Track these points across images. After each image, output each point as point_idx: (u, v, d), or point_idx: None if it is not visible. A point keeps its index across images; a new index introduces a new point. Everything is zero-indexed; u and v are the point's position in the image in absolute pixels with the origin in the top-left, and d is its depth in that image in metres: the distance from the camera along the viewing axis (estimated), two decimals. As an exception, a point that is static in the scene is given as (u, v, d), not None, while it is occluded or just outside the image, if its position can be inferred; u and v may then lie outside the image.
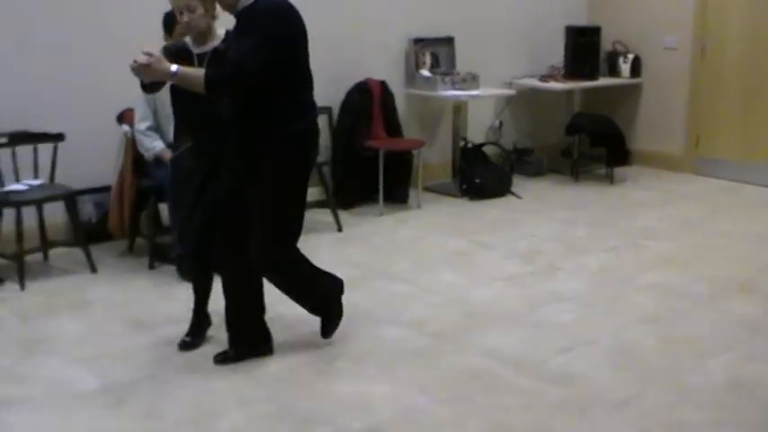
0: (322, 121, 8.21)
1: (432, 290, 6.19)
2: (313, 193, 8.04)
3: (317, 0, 8.14)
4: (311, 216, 7.86)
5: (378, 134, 8.45)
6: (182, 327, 5.41)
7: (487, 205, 8.55)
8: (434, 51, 9.06)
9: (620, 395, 4.66)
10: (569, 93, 10.23)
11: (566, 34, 9.87)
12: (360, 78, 8.49)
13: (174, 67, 4.62)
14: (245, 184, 4.84)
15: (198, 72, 4.68)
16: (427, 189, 8.81)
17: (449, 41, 9.14)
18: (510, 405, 4.54)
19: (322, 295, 5.26)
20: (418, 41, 8.92)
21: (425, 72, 8.89)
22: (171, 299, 5.97)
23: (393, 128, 8.62)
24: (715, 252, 7.16)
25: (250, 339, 5.12)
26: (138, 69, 4.62)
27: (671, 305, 5.98)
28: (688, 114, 9.97)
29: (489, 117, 9.76)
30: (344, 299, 5.47)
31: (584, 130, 9.62)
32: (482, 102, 9.36)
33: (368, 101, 8.43)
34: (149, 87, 5.07)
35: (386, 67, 8.80)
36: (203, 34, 5.11)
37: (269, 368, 4.96)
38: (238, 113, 4.77)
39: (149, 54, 4.61)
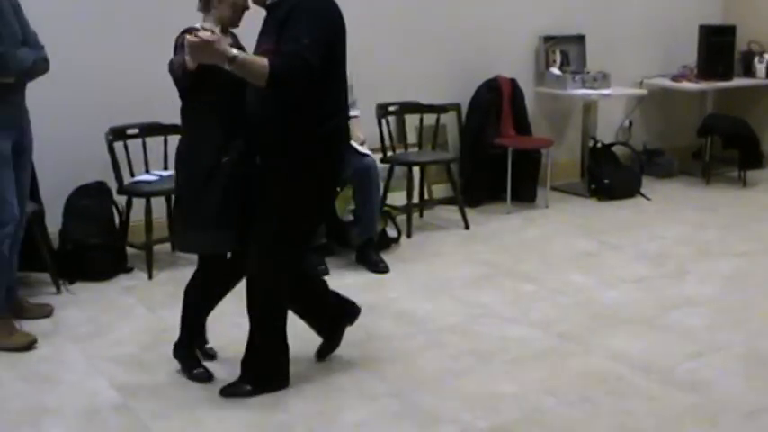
0: (451, 117, 8.26)
1: (559, 290, 6.14)
2: (441, 190, 8.11)
3: (448, -3, 8.20)
4: (439, 213, 7.91)
5: (506, 132, 8.41)
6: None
7: (616, 206, 8.45)
8: (564, 49, 8.99)
9: (751, 404, 4.56)
10: (702, 93, 10.05)
11: (699, 33, 9.69)
12: (489, 76, 8.46)
13: (234, 51, 4.19)
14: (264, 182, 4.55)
15: (260, 61, 4.23)
16: (555, 188, 8.74)
17: (579, 39, 9.06)
18: (637, 409, 4.48)
19: (331, 318, 5.08)
20: (548, 39, 8.86)
21: (555, 70, 8.83)
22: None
23: (522, 126, 8.58)
24: None
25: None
26: (197, 47, 4.15)
27: (809, 312, 5.84)
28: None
29: (619, 117, 9.65)
30: (470, 296, 5.47)
31: (717, 132, 9.45)
32: (612, 101, 9.26)
33: (497, 98, 8.40)
34: (182, 79, 4.46)
35: (515, 65, 8.76)
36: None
37: (394, 364, 4.97)
38: (275, 108, 4.46)
39: (212, 32, 4.29)
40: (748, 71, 10.07)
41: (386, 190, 7.28)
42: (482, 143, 8.25)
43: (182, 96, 4.58)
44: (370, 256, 6.53)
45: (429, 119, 7.80)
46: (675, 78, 9.71)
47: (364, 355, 5.08)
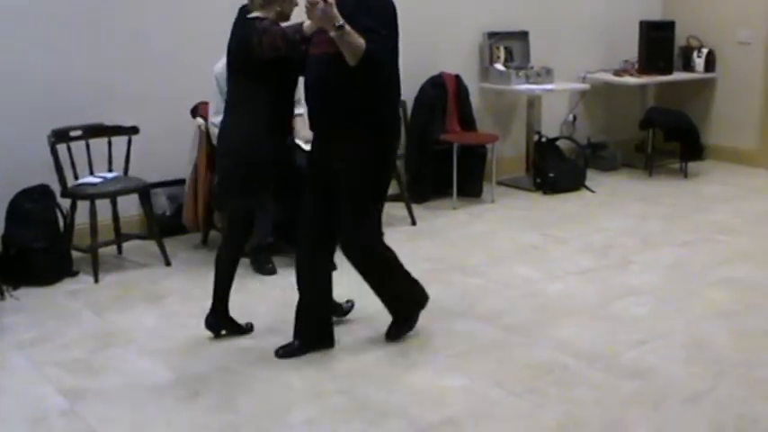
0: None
1: (505, 283, 6.18)
2: (386, 187, 8.13)
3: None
4: (385, 210, 7.90)
5: (452, 128, 8.46)
6: (255, 319, 5.48)
7: (561, 199, 8.53)
8: (508, 45, 9.06)
9: (693, 389, 4.64)
10: (643, 87, 10.17)
11: (640, 29, 9.80)
12: (434, 72, 8.51)
13: (341, 20, 4.52)
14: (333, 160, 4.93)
15: (361, 39, 4.59)
16: (501, 183, 8.80)
17: (523, 35, 9.13)
18: (583, 399, 4.54)
19: (406, 296, 5.31)
20: (492, 35, 8.92)
21: (499, 66, 8.89)
22: (244, 292, 6.01)
23: (467, 122, 8.63)
24: (790, 246, 7.09)
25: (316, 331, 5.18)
26: (315, 7, 4.52)
27: (745, 299, 5.92)
28: (762, 109, 9.88)
29: (563, 111, 9.73)
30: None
31: (659, 125, 9.56)
32: (556, 96, 9.34)
33: (442, 95, 8.45)
34: (296, 47, 4.86)
35: (460, 61, 8.81)
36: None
37: (343, 361, 4.99)
38: (354, 88, 4.77)
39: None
40: (687, 65, 10.23)
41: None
42: (427, 139, 8.28)
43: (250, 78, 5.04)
44: (317, 254, 6.54)
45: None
46: (617, 73, 9.82)
47: (313, 352, 5.09)
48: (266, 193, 5.33)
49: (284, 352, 5.08)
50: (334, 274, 5.28)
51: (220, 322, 5.35)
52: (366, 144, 4.85)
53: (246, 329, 5.40)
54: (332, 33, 4.54)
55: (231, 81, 5.20)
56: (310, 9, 4.56)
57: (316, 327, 5.17)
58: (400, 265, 5.21)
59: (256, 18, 5.00)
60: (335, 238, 5.11)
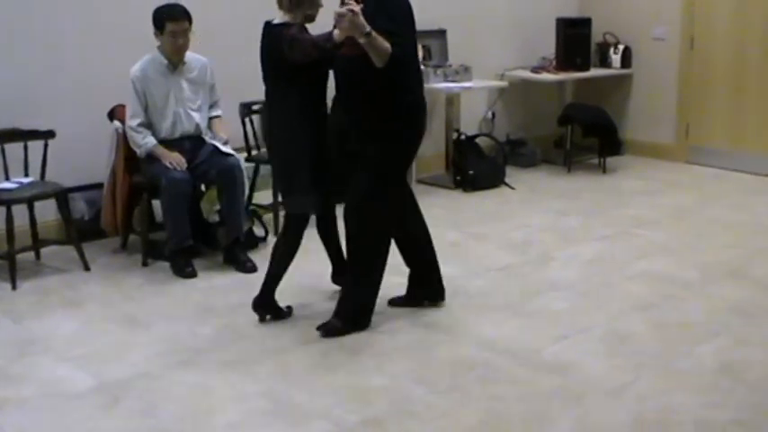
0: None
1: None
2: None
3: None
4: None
5: (370, 128, 8.45)
6: (176, 323, 5.45)
7: (481, 196, 8.57)
8: (426, 44, 9.05)
9: (614, 382, 4.69)
10: (561, 84, 10.27)
11: (557, 26, 9.89)
12: (352, 72, 8.48)
13: (368, 27, 4.83)
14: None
15: (386, 43, 4.90)
16: (421, 181, 8.81)
17: (441, 34, 9.14)
18: (505, 394, 4.56)
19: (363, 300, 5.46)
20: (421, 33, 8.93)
21: (417, 65, 8.90)
22: (165, 295, 5.99)
23: (386, 121, 8.62)
24: (706, 239, 7.20)
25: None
26: (344, 17, 4.79)
27: (663, 292, 6.01)
28: (678, 104, 10.02)
29: (482, 109, 9.78)
30: (338, 291, 5.53)
31: (577, 121, 9.64)
32: (475, 94, 9.38)
33: (360, 94, 8.43)
34: (326, 54, 5.12)
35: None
36: None
37: (264, 363, 4.97)
38: (379, 85, 5.08)
39: (354, 10, 4.80)
40: (604, 62, 10.34)
41: (251, 189, 7.26)
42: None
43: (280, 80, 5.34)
44: (238, 256, 6.51)
45: (292, 117, 7.78)
46: (535, 70, 9.89)
47: (234, 356, 5.06)
48: (312, 188, 5.46)
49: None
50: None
51: (267, 308, 5.56)
52: (394, 134, 5.23)
53: (287, 314, 5.62)
54: (360, 40, 4.85)
55: (267, 84, 5.46)
56: (339, 20, 4.84)
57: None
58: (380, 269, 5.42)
59: (284, 25, 5.25)
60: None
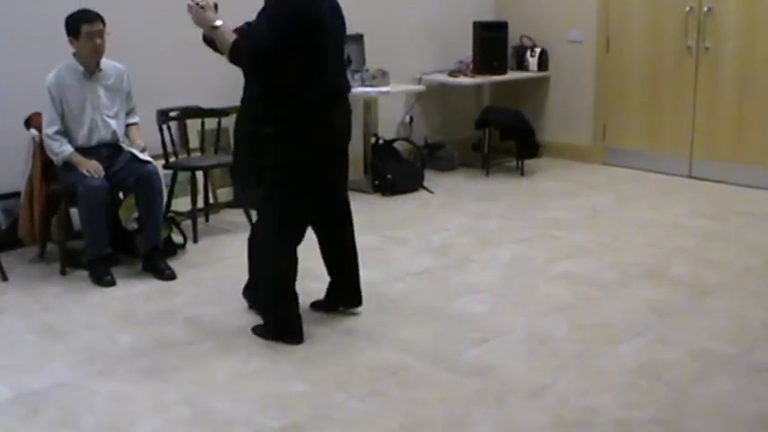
0: (233, 121, 8.20)
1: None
2: (226, 194, 8.09)
3: None
4: (224, 217, 7.90)
5: (288, 133, 8.43)
6: (96, 332, 5.40)
7: (400, 200, 8.59)
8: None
9: (534, 383, 4.73)
10: (478, 87, 10.35)
11: (474, 29, 9.95)
12: (269, 78, 8.46)
13: (218, 22, 5.03)
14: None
15: (231, 36, 5.03)
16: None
17: (358, 39, 9.14)
18: (426, 398, 4.58)
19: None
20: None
21: (335, 69, 8.89)
22: (84, 304, 5.93)
23: (305, 126, 8.61)
24: (624, 240, 7.29)
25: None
26: (191, 9, 5.06)
27: (582, 293, 6.07)
28: (595, 106, 10.14)
29: (400, 113, 9.81)
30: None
31: (494, 124, 9.70)
32: (392, 98, 9.39)
33: (278, 100, 8.41)
34: (208, 42, 5.29)
35: (295, 66, 8.78)
36: None
37: (185, 371, 4.93)
38: (261, 88, 5.16)
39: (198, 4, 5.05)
40: (521, 65, 10.43)
41: (170, 196, 7.22)
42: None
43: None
44: (157, 264, 6.46)
45: (211, 123, 7.76)
46: (452, 74, 9.94)
47: (154, 364, 5.02)
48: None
49: None
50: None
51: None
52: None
53: None
54: (209, 33, 5.11)
55: None
56: (190, 10, 5.09)
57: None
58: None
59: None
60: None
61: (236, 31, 5.15)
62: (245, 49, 4.99)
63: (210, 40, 5.21)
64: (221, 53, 5.16)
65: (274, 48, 4.94)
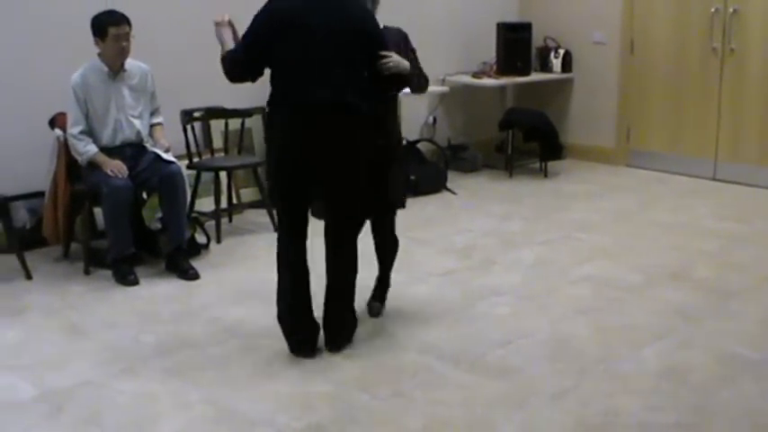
0: (256, 121, 8.24)
1: (369, 287, 6.16)
2: (249, 194, 8.10)
3: None
4: (248, 217, 7.91)
5: (312, 133, 8.43)
6: (119, 331, 5.42)
7: (423, 202, 8.58)
8: (367, 49, 9.07)
9: (557, 386, 4.72)
10: (502, 88, 10.32)
11: (497, 31, 9.94)
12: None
13: (225, 38, 5.17)
14: None
15: (226, 48, 5.13)
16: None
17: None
18: (449, 400, 4.58)
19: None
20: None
21: (358, 70, 8.89)
22: (107, 303, 5.95)
23: (328, 127, 8.61)
24: (647, 242, 7.27)
25: None
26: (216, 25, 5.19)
27: (605, 295, 6.06)
28: (619, 108, 10.10)
29: (423, 114, 9.80)
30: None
31: (518, 126, 9.69)
32: (415, 99, 9.34)
33: (301, 100, 8.40)
34: None
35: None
36: None
37: (208, 371, 4.95)
38: None
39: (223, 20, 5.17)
40: (545, 66, 10.41)
41: (194, 196, 7.24)
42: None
43: None
44: (180, 264, 6.48)
45: (234, 123, 7.78)
46: (476, 75, 9.93)
47: (178, 363, 5.04)
48: None
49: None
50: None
51: None
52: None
53: None
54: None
55: None
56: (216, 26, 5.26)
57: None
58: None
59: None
60: None
61: None
62: (225, 60, 5.10)
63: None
64: None
65: (244, 51, 5.00)
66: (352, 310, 5.33)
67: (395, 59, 4.99)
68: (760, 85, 9.08)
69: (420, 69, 5.43)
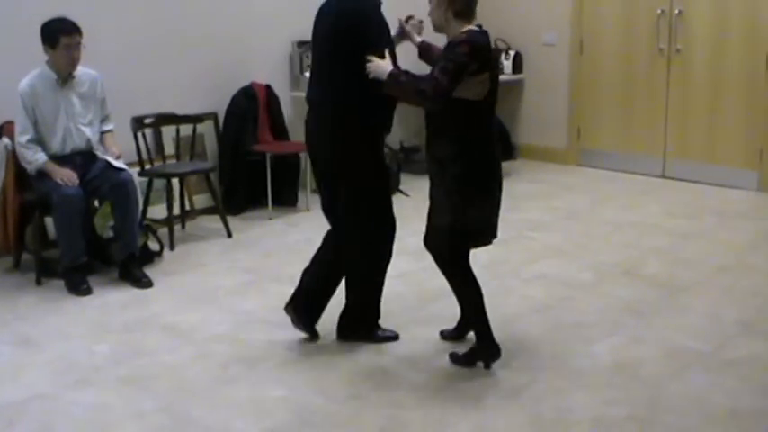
0: (208, 127, 8.23)
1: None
2: (202, 200, 8.08)
3: (198, 4, 8.16)
4: (201, 223, 7.89)
5: (264, 138, 8.45)
6: (72, 341, 5.39)
7: (376, 205, 8.58)
8: (316, 55, 9.09)
9: (512, 384, 4.75)
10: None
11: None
12: (245, 83, 8.47)
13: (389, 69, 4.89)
14: None
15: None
16: (316, 191, 8.79)
17: (332, 43, 9.17)
18: (405, 401, 4.59)
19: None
20: (302, 44, 8.92)
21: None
22: (60, 314, 5.91)
23: (279, 131, 8.63)
24: (599, 240, 7.34)
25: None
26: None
27: (558, 294, 6.11)
28: (569, 108, 10.19)
29: (375, 117, 9.79)
30: (236, 304, 5.52)
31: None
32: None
33: (253, 105, 8.41)
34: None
35: (270, 71, 8.80)
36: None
37: (162, 379, 4.93)
38: None
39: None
40: (495, 67, 10.41)
41: (146, 204, 7.22)
42: (240, 151, 8.26)
43: None
44: (133, 272, 6.45)
45: (186, 129, 7.75)
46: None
47: (131, 372, 5.01)
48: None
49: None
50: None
51: None
52: None
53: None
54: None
55: None
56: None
57: None
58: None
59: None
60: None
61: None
62: None
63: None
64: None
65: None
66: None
67: (372, 65, 4.92)
68: (705, 84, 9.21)
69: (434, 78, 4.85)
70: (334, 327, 5.45)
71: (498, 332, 5.38)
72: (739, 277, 6.46)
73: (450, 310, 5.75)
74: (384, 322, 5.58)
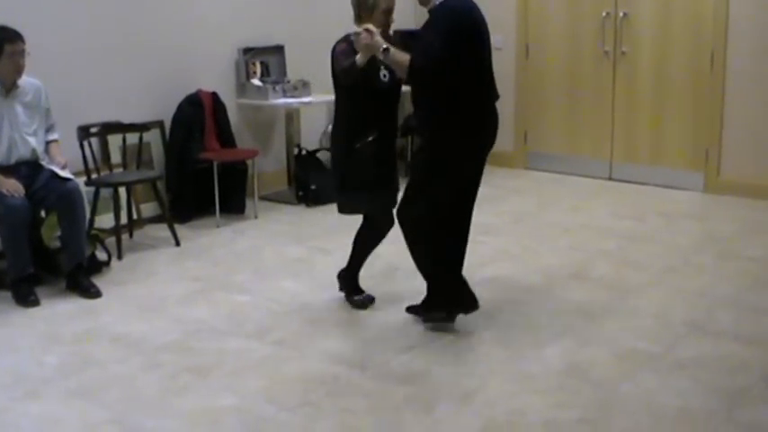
0: (155, 135, 8.19)
1: (272, 298, 6.20)
2: (149, 209, 8.04)
3: (144, 12, 8.11)
4: (149, 232, 7.85)
5: (211, 146, 8.41)
6: (21, 353, 5.34)
7: (324, 211, 8.57)
8: (264, 60, 9.07)
9: (463, 388, 4.76)
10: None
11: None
12: (190, 90, 8.43)
13: (386, 45, 5.21)
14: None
15: (405, 56, 5.17)
16: (264, 198, 8.81)
17: (279, 50, 9.16)
18: (357, 407, 4.59)
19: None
20: (248, 51, 8.92)
21: (256, 81, 8.89)
22: (7, 326, 5.85)
23: (226, 139, 8.60)
24: (548, 243, 7.38)
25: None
26: (359, 37, 5.28)
27: (508, 297, 6.14)
28: (516, 111, 10.24)
29: (322, 123, 9.79)
30: (185, 313, 5.48)
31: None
32: (314, 108, 9.39)
33: (199, 113, 8.37)
34: (356, 75, 5.45)
35: (216, 78, 8.77)
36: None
37: (112, 389, 4.89)
38: (425, 96, 5.38)
39: (369, 30, 5.25)
40: (442, 71, 10.43)
41: (93, 213, 7.16)
42: (187, 158, 8.21)
43: (338, 88, 5.80)
44: (81, 282, 6.40)
45: (132, 138, 7.70)
46: (374, 82, 9.92)
47: (81, 384, 4.97)
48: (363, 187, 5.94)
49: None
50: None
51: (347, 283, 6.12)
52: (430, 141, 5.58)
53: (364, 300, 6.08)
54: (380, 57, 5.28)
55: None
56: (355, 40, 5.37)
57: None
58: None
59: (341, 40, 5.79)
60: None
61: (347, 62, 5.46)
62: (419, 64, 5.13)
63: (353, 69, 5.39)
64: (355, 82, 5.48)
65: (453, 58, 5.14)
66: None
67: (360, 36, 5.30)
68: (650, 86, 9.30)
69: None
70: (280, 336, 5.45)
71: (448, 337, 5.43)
72: (687, 278, 6.53)
73: (399, 316, 5.77)
74: (333, 329, 5.59)
